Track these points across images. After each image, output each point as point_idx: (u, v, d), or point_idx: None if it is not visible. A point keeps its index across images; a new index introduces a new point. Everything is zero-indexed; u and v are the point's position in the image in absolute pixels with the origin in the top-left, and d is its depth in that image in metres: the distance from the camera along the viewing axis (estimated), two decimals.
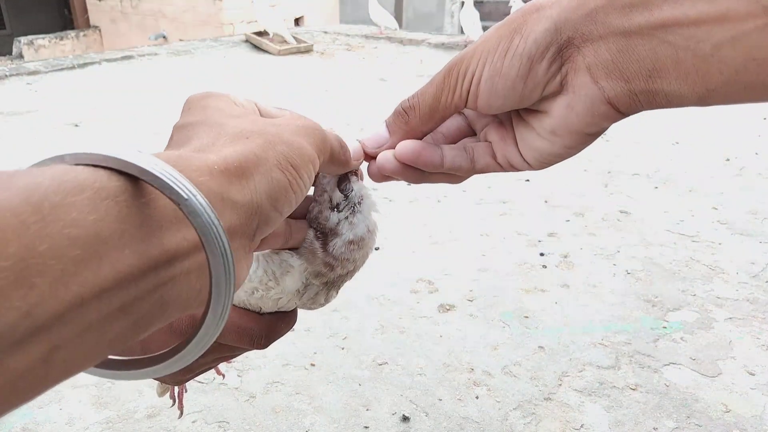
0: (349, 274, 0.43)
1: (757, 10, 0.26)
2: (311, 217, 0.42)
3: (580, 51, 0.31)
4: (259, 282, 0.41)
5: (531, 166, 0.37)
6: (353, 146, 0.40)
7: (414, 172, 0.39)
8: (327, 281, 0.43)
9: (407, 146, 0.38)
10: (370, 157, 0.41)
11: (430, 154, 0.38)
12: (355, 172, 0.43)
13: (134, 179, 0.23)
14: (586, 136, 0.34)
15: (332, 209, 0.42)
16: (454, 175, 0.40)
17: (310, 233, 0.42)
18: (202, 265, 0.25)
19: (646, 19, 0.29)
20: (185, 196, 0.23)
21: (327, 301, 0.45)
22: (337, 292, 0.46)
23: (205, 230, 0.23)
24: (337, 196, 0.42)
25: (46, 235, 0.19)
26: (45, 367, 0.19)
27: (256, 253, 0.42)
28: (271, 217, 0.30)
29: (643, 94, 0.31)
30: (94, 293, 0.20)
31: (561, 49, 0.31)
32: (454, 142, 0.40)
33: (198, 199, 0.23)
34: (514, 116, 0.36)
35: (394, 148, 0.39)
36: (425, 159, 0.39)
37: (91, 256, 0.20)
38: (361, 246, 0.43)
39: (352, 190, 0.43)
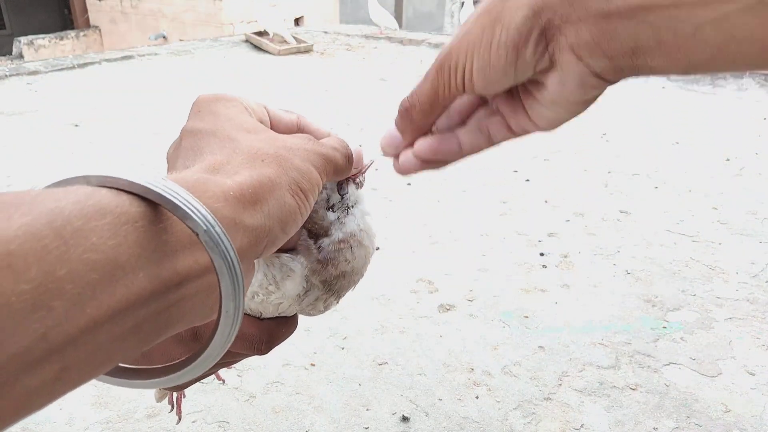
0: (346, 277, 0.43)
1: None
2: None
3: (562, 32, 0.31)
4: (259, 286, 0.41)
5: (545, 129, 0.38)
6: (354, 151, 0.41)
7: (438, 163, 0.41)
8: (325, 281, 0.43)
9: (424, 145, 0.39)
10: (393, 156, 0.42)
11: (448, 146, 0.39)
12: (354, 177, 0.44)
13: (154, 204, 0.24)
14: (586, 101, 0.35)
15: (328, 209, 0.43)
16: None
17: (304, 232, 0.42)
18: (211, 285, 0.26)
19: (625, 1, 0.28)
20: (204, 228, 0.24)
21: (326, 308, 0.45)
22: (338, 301, 0.46)
23: (220, 257, 0.24)
24: (335, 196, 0.43)
25: (66, 259, 0.19)
26: (54, 384, 0.20)
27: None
28: (278, 238, 0.31)
29: (628, 68, 0.31)
30: (107, 316, 0.21)
31: (543, 31, 0.31)
32: (470, 116, 0.41)
33: (215, 230, 0.24)
34: (520, 87, 0.37)
35: (411, 146, 0.40)
36: (444, 152, 0.40)
37: (107, 280, 0.21)
38: (353, 245, 0.43)
39: (347, 192, 0.44)
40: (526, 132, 0.39)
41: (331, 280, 0.43)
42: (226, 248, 0.24)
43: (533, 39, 0.32)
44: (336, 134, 0.42)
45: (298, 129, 0.42)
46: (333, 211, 0.43)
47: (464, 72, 0.34)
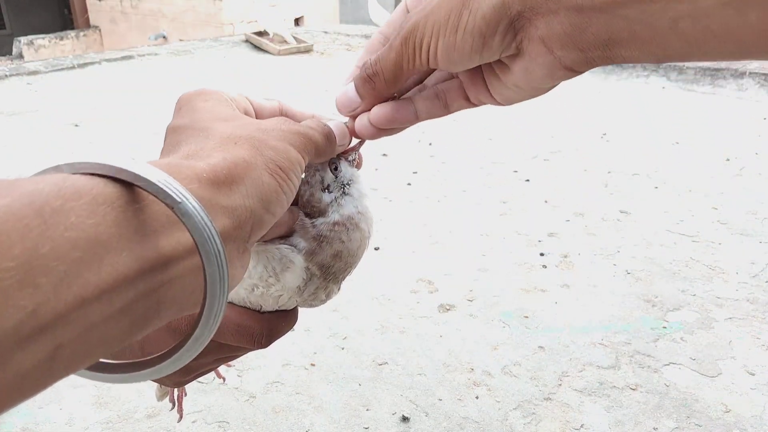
0: (342, 258, 0.43)
1: None
2: (303, 201, 0.43)
3: (532, 23, 0.30)
4: (259, 278, 0.41)
5: (502, 105, 0.38)
6: (339, 129, 0.40)
7: (393, 130, 0.41)
8: (322, 265, 0.42)
9: (381, 112, 0.39)
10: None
11: (404, 114, 0.40)
12: (346, 155, 0.44)
13: (129, 186, 0.24)
14: (549, 88, 0.35)
15: (323, 190, 0.43)
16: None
17: (301, 214, 0.43)
18: (196, 267, 0.25)
19: None
20: (178, 200, 0.24)
21: (328, 297, 0.45)
22: (339, 288, 0.45)
23: (198, 231, 0.24)
24: (329, 176, 0.43)
25: (48, 237, 0.20)
26: (50, 365, 0.20)
27: (255, 249, 0.42)
28: (264, 220, 0.30)
29: (600, 59, 0.30)
30: (95, 294, 0.21)
31: (512, 21, 0.31)
32: (426, 79, 0.41)
33: (190, 201, 0.24)
34: (483, 65, 0.36)
35: (367, 111, 0.40)
36: (400, 119, 0.40)
37: (91, 259, 0.21)
38: (349, 228, 0.43)
39: (340, 170, 0.44)
40: (482, 104, 0.39)
41: (328, 263, 0.43)
42: (203, 220, 0.24)
43: (501, 29, 0.31)
44: (319, 116, 0.42)
45: (281, 114, 0.42)
46: (329, 192, 0.43)
47: (428, 50, 0.34)
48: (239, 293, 0.42)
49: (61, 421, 1.67)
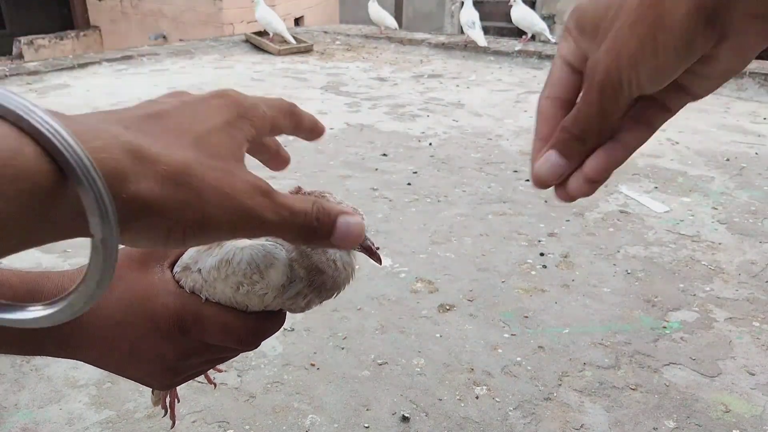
0: (326, 274, 0.43)
1: None
2: None
3: (730, 6, 0.30)
4: (243, 275, 0.41)
5: (701, 97, 0.37)
6: (356, 225, 0.34)
7: (607, 177, 0.39)
8: (308, 270, 0.43)
9: (598, 163, 0.37)
10: (550, 184, 0.40)
11: (617, 156, 0.37)
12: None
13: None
14: (753, 57, 0.34)
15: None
16: None
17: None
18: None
19: None
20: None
21: (307, 306, 0.45)
22: (319, 302, 0.46)
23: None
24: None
25: None
26: None
27: (241, 244, 0.43)
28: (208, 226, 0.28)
29: None
30: None
31: (710, 17, 0.30)
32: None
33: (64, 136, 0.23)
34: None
35: (574, 170, 0.38)
36: (617, 161, 0.38)
37: None
38: (338, 265, 0.43)
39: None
40: (682, 107, 0.37)
41: (313, 271, 0.43)
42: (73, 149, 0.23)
43: (701, 29, 0.30)
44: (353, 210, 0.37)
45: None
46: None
47: (630, 84, 0.33)
48: (225, 292, 0.42)
49: (61, 421, 1.67)
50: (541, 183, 0.39)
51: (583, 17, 0.35)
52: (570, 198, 0.39)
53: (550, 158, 0.38)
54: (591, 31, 0.35)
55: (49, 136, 0.22)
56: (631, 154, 0.38)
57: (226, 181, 0.28)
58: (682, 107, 0.37)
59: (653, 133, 0.38)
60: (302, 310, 0.46)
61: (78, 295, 0.26)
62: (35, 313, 0.26)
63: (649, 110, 0.37)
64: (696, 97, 0.37)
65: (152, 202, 0.26)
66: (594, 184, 0.38)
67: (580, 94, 0.36)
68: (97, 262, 0.25)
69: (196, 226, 0.28)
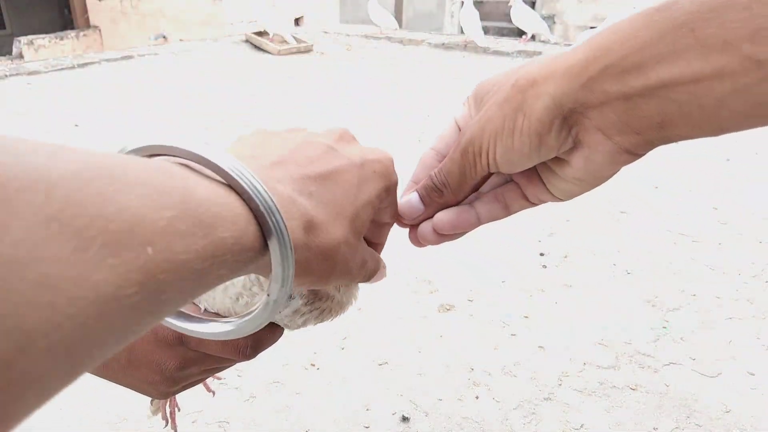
0: (325, 300, 0.44)
1: (752, 65, 0.26)
2: None
3: (585, 116, 0.31)
4: (242, 287, 0.41)
5: (562, 200, 0.39)
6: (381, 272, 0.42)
7: (455, 235, 0.42)
8: (309, 291, 0.43)
9: (445, 218, 0.41)
10: (407, 224, 0.44)
11: (467, 219, 0.41)
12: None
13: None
14: (610, 175, 0.36)
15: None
16: None
17: None
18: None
19: (643, 82, 0.29)
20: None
21: (303, 324, 0.45)
22: (314, 323, 0.46)
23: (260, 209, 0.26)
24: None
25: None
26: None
27: None
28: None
29: (659, 140, 0.31)
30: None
31: (566, 118, 0.32)
32: (484, 185, 0.43)
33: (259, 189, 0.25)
34: (538, 165, 0.37)
35: (429, 218, 0.41)
36: (463, 224, 0.41)
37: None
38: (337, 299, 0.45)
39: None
40: (541, 202, 0.40)
41: (323, 297, 0.44)
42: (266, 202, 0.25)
43: (556, 126, 0.32)
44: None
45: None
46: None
47: (488, 156, 0.36)
48: (225, 303, 0.42)
49: (61, 422, 1.67)
50: (400, 219, 0.42)
51: (480, 89, 0.38)
52: (418, 243, 0.43)
53: (411, 199, 0.41)
54: (480, 102, 0.38)
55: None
56: (479, 225, 0.41)
57: (351, 258, 0.32)
58: (542, 203, 0.40)
59: (508, 215, 0.41)
60: (298, 328, 0.46)
61: (239, 330, 0.31)
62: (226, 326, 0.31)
63: (510, 193, 0.40)
64: (555, 197, 0.38)
65: (304, 269, 0.29)
66: (440, 237, 0.41)
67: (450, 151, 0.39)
68: (263, 314, 0.29)
69: (310, 283, 0.32)
